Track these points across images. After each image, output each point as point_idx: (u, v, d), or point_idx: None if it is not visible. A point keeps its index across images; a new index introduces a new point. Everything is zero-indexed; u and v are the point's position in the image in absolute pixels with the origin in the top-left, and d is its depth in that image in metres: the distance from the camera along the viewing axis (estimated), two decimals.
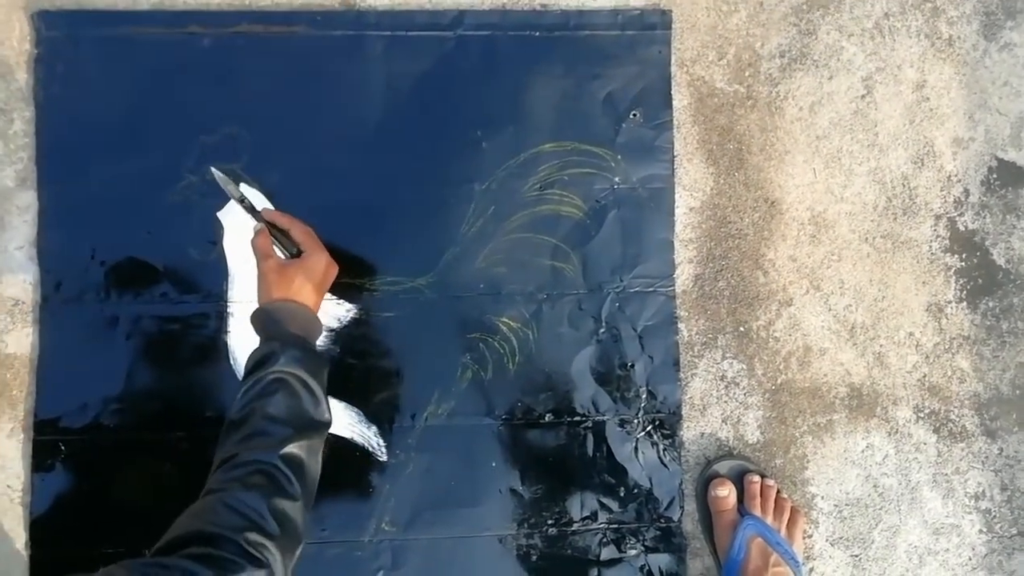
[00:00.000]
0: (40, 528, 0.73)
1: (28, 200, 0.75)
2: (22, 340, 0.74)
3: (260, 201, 0.76)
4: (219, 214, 0.75)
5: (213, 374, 0.75)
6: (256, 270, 0.68)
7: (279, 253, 0.69)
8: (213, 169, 0.71)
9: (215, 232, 0.75)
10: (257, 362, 0.62)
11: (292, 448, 0.58)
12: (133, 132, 0.75)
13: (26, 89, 0.75)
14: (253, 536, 0.53)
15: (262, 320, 0.65)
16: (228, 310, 0.75)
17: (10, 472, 0.74)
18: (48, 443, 0.73)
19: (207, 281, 0.75)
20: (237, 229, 0.75)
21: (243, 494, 0.54)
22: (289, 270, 0.66)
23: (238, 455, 0.58)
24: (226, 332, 0.75)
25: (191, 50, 0.76)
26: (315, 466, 0.61)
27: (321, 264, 0.68)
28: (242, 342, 0.75)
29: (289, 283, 0.65)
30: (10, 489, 0.74)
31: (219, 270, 0.75)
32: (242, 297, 0.75)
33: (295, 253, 0.69)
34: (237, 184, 0.73)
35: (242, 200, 0.71)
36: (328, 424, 0.63)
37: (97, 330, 0.74)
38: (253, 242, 0.69)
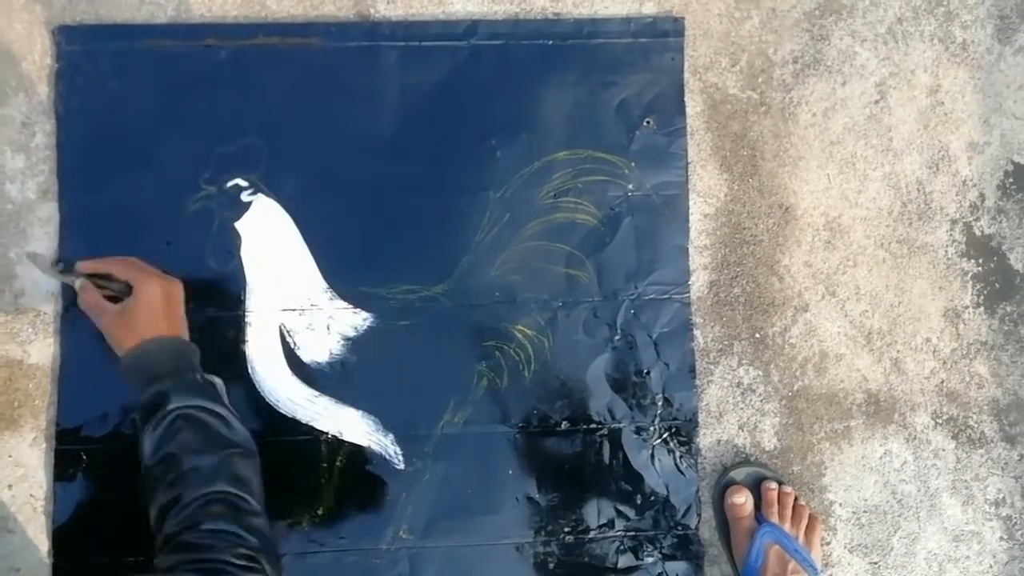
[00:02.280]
0: (62, 537, 0.74)
1: (49, 212, 0.76)
2: (44, 350, 0.75)
3: (278, 214, 0.76)
4: (237, 224, 0.76)
5: (232, 384, 0.75)
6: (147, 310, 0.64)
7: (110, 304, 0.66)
8: (27, 260, 0.69)
9: (233, 242, 0.76)
10: (148, 408, 0.61)
11: (231, 470, 0.58)
12: (152, 144, 0.76)
13: (47, 103, 0.76)
14: (241, 551, 0.52)
15: (132, 370, 0.63)
16: (246, 320, 0.76)
17: (33, 481, 0.75)
18: (70, 452, 0.74)
19: (226, 291, 0.76)
20: (255, 239, 0.76)
21: (210, 523, 0.54)
22: (127, 314, 0.64)
23: (180, 495, 0.56)
24: (244, 342, 0.76)
25: (208, 62, 0.77)
26: (258, 480, 0.61)
27: (156, 289, 0.65)
28: (261, 352, 0.76)
29: (133, 327, 0.63)
30: (33, 498, 0.75)
31: (237, 280, 0.76)
32: (260, 307, 0.76)
33: (127, 291, 0.66)
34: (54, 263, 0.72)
35: (61, 271, 0.69)
36: (249, 440, 0.62)
37: None
38: (81, 304, 0.66)
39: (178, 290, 0.68)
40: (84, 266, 0.68)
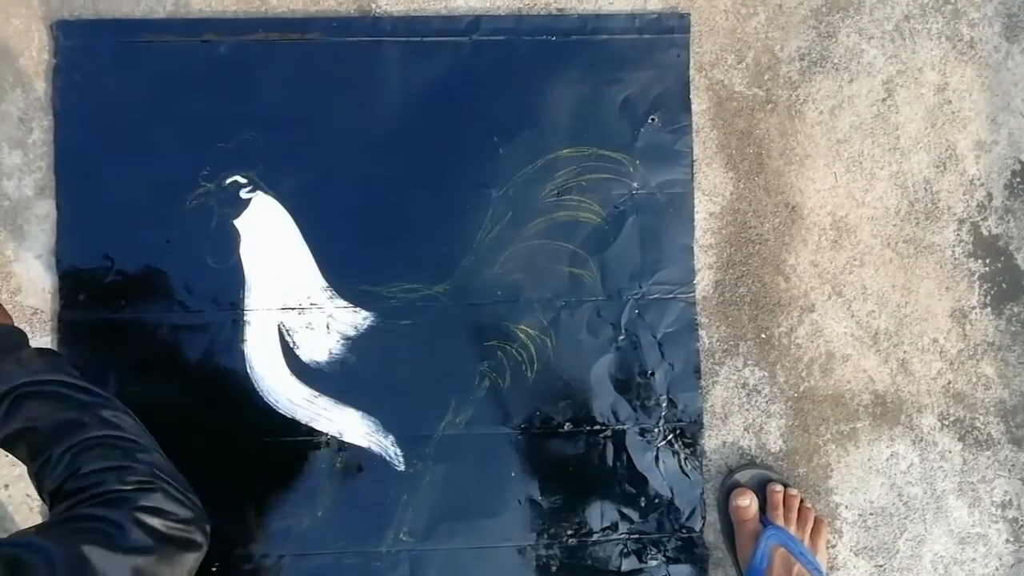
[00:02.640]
0: None
1: (47, 209, 0.75)
2: None
3: (277, 212, 0.75)
4: (236, 221, 0.75)
5: (230, 383, 0.74)
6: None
7: None
8: None
9: (232, 240, 0.75)
10: None
11: (98, 418, 0.52)
12: (150, 140, 0.75)
13: (45, 99, 0.75)
14: (130, 478, 0.49)
15: None
16: (245, 318, 0.75)
17: (28, 481, 0.73)
18: None
19: (224, 289, 0.75)
20: (255, 237, 0.75)
21: (92, 465, 0.49)
22: None
23: (49, 455, 0.51)
24: (243, 341, 0.75)
25: (208, 58, 0.76)
26: (140, 428, 0.55)
27: None
28: (260, 351, 0.75)
29: None
30: (29, 498, 0.74)
31: (236, 278, 0.75)
32: (259, 305, 0.75)
33: None
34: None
35: None
36: (113, 400, 0.56)
37: (114, 339, 0.74)
38: None
39: None
40: None
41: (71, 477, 0.50)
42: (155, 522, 0.49)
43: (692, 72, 0.79)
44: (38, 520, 0.73)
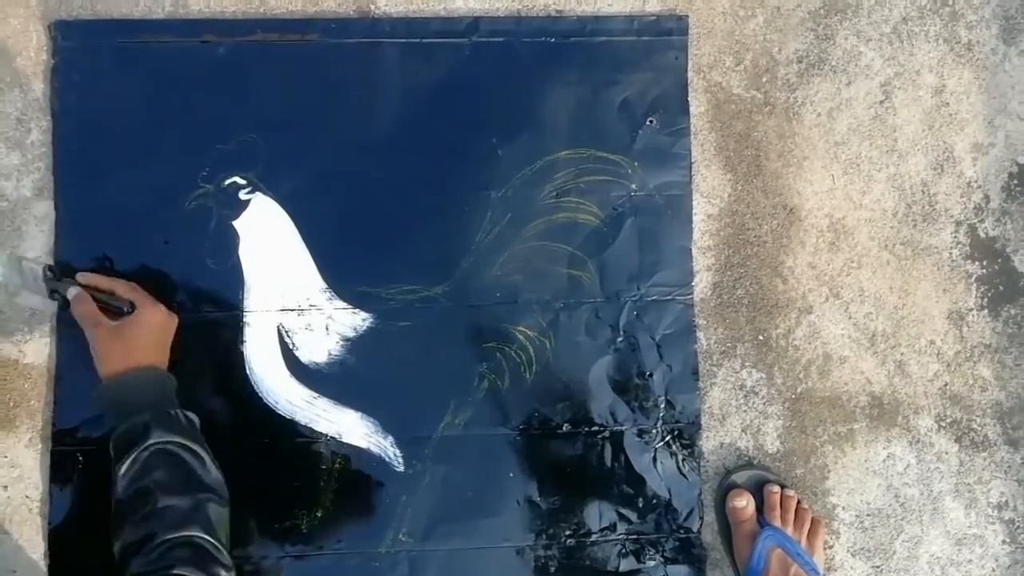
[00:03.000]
0: (58, 539, 0.73)
1: (45, 210, 0.75)
2: (40, 350, 0.74)
3: (276, 213, 0.75)
4: (235, 223, 0.75)
5: (229, 385, 0.74)
6: (122, 328, 0.63)
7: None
8: (17, 258, 0.66)
9: (231, 241, 0.75)
10: (126, 441, 0.60)
11: (203, 515, 0.57)
12: (149, 141, 0.75)
13: (43, 99, 0.75)
14: None
15: (113, 397, 0.62)
16: (244, 320, 0.75)
17: (28, 482, 0.74)
18: (66, 453, 0.73)
19: (223, 291, 0.75)
20: (254, 238, 0.75)
21: (179, 569, 0.53)
22: (125, 333, 0.63)
23: (152, 534, 0.55)
24: (242, 342, 0.75)
25: (206, 59, 0.76)
26: (226, 529, 0.60)
27: (158, 317, 0.65)
28: (259, 352, 0.75)
29: (129, 348, 0.62)
30: (28, 499, 0.74)
31: (235, 279, 0.75)
32: (259, 307, 0.75)
33: (127, 311, 0.65)
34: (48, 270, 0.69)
35: (53, 294, 0.67)
36: (222, 484, 0.62)
37: None
38: (74, 312, 0.65)
39: (174, 325, 0.68)
40: (87, 278, 0.67)
41: (155, 573, 0.53)
42: None
43: (690, 74, 0.80)
44: (38, 522, 0.73)
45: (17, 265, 0.66)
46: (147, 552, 0.55)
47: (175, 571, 0.52)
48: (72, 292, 0.67)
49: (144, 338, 0.63)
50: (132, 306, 0.65)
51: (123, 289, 0.66)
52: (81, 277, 0.68)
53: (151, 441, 0.59)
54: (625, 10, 0.79)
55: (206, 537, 0.56)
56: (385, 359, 0.76)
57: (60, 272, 0.68)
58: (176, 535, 0.55)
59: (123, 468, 0.59)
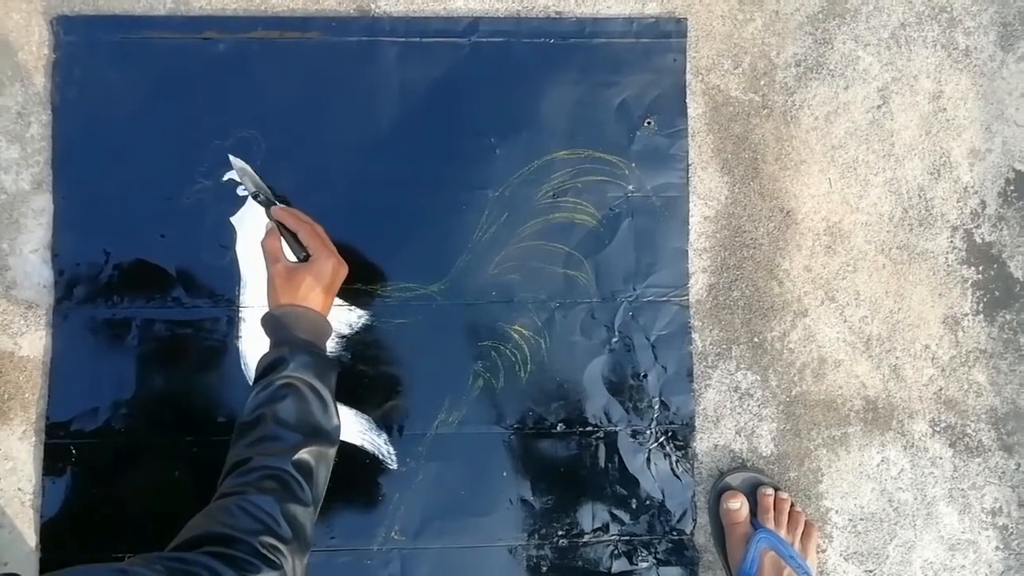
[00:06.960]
0: (50, 531, 0.73)
1: (43, 203, 0.75)
2: (35, 343, 0.74)
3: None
4: (232, 219, 0.76)
5: (224, 379, 0.75)
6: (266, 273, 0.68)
7: (288, 255, 0.69)
8: (232, 158, 0.72)
9: (228, 237, 0.75)
10: (267, 367, 0.62)
11: (303, 454, 0.58)
12: (148, 136, 0.75)
13: (44, 93, 0.76)
14: (267, 539, 0.53)
15: (272, 325, 0.65)
16: (240, 315, 0.75)
17: (21, 475, 0.74)
18: (59, 446, 0.73)
19: (219, 286, 0.75)
20: (250, 234, 0.75)
21: (257, 498, 0.55)
22: (297, 275, 0.66)
23: (251, 459, 0.58)
24: (238, 337, 0.75)
25: (207, 55, 0.76)
26: (325, 473, 0.61)
27: (329, 267, 0.67)
28: (254, 347, 0.75)
29: (297, 288, 0.65)
30: (21, 492, 0.74)
31: (231, 275, 0.75)
32: (254, 302, 0.75)
33: (303, 257, 0.69)
34: (256, 174, 0.74)
35: (256, 195, 0.71)
36: (337, 430, 0.63)
37: (109, 334, 0.74)
38: (263, 243, 0.69)
39: (343, 276, 0.70)
40: (279, 213, 0.70)
41: (239, 495, 0.55)
42: None
43: (688, 76, 0.80)
44: (30, 515, 0.73)
45: (248, 171, 0.73)
46: (239, 475, 0.57)
47: (251, 497, 0.54)
48: (267, 224, 0.71)
49: (312, 283, 0.66)
50: (307, 255, 0.68)
51: (307, 235, 0.69)
52: (276, 212, 0.70)
53: (285, 373, 0.61)
54: (624, 12, 0.80)
55: (292, 473, 0.57)
56: (380, 356, 0.76)
57: (265, 200, 0.72)
58: (269, 466, 0.57)
59: (255, 391, 0.62)
